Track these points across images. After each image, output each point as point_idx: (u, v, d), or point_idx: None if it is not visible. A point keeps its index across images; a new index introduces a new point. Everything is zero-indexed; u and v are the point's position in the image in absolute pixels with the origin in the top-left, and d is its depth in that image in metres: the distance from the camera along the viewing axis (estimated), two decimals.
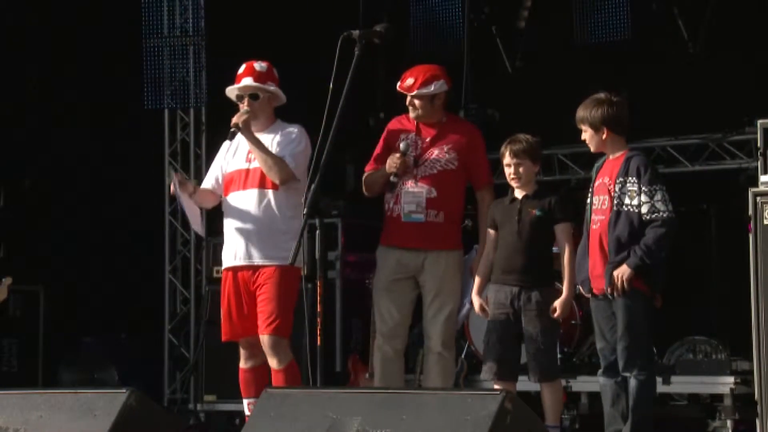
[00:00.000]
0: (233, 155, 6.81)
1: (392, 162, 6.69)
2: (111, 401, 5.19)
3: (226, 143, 6.81)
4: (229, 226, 6.75)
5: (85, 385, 8.67)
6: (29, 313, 10.34)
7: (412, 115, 6.79)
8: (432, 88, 6.72)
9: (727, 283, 8.96)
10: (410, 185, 6.72)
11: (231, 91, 6.80)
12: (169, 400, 10.33)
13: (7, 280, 7.48)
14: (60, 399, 5.34)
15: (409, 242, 6.75)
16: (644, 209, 6.02)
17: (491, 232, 6.67)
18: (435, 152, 6.74)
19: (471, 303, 6.77)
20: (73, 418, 5.20)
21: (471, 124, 7.00)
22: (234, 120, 6.62)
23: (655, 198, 6.02)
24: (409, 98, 6.75)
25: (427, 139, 6.76)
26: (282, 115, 6.87)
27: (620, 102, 6.19)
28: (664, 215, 6.00)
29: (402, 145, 6.74)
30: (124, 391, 5.23)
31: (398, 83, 6.78)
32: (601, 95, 6.21)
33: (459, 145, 6.77)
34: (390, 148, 6.83)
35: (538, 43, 10.38)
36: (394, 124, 6.94)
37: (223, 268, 6.80)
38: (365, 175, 6.89)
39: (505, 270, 6.55)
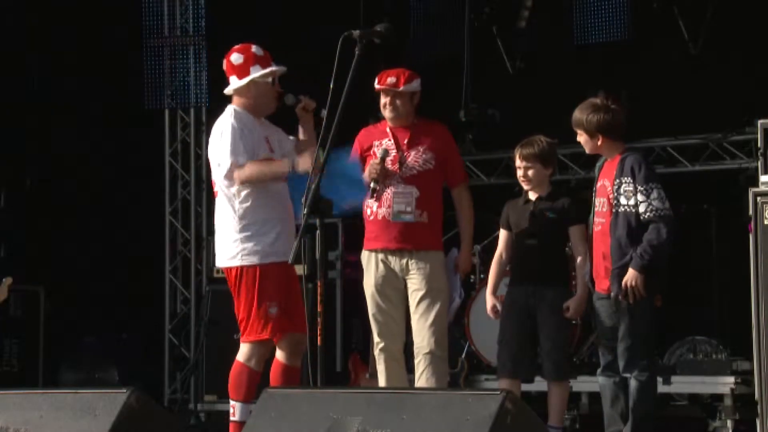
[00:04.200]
0: (251, 135, 6.36)
1: (372, 169, 6.71)
2: (111, 401, 5.18)
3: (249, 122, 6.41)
4: (281, 218, 6.33)
5: (86, 385, 8.67)
6: (29, 313, 10.33)
7: (389, 115, 6.81)
8: (414, 85, 6.79)
9: (727, 284, 8.96)
10: (397, 186, 6.74)
11: (273, 73, 6.43)
12: (169, 400, 10.32)
13: (7, 280, 7.48)
14: (61, 399, 5.34)
15: (394, 243, 6.77)
16: (642, 209, 6.00)
17: (504, 232, 6.72)
18: (412, 154, 6.79)
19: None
20: (74, 417, 5.20)
21: (440, 124, 7.00)
22: (311, 104, 6.41)
23: (652, 197, 6.00)
24: (389, 98, 6.78)
25: (404, 142, 6.80)
26: (283, 114, 6.83)
27: (616, 109, 6.15)
28: (662, 213, 5.99)
29: (380, 151, 6.76)
30: (125, 390, 5.23)
31: (376, 83, 6.79)
32: (597, 101, 6.18)
33: (434, 145, 6.82)
34: (362, 159, 6.80)
35: (538, 43, 10.37)
36: (363, 135, 6.93)
37: (282, 260, 6.15)
38: None
39: (520, 270, 6.62)
